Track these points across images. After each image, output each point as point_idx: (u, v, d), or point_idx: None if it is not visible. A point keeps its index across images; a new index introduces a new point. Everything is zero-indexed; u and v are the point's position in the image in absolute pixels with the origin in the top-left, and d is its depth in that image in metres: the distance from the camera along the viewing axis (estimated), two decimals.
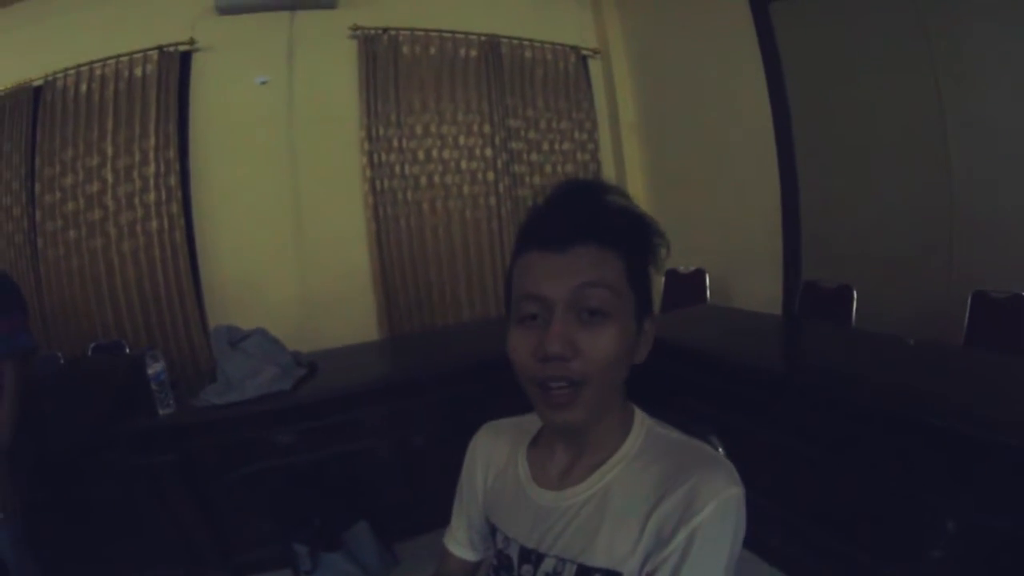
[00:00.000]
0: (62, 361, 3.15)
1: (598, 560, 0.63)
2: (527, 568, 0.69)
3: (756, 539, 1.73)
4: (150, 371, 2.30)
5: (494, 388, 1.83)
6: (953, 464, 1.46)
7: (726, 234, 3.64)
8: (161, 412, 2.30)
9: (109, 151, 3.45)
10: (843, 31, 3.07)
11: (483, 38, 3.66)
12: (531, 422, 0.80)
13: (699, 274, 3.52)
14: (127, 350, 3.31)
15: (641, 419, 0.71)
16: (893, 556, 1.60)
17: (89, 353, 3.26)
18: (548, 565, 0.67)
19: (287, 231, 3.29)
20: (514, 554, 0.71)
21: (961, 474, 1.45)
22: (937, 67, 2.71)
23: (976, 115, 2.61)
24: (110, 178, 3.44)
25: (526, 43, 3.75)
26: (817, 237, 3.37)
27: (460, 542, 0.85)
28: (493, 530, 0.77)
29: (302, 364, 2.59)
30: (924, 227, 2.86)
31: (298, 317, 2.93)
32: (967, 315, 2.48)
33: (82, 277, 3.45)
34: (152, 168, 3.37)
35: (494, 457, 0.81)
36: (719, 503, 0.58)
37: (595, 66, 4.01)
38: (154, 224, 3.33)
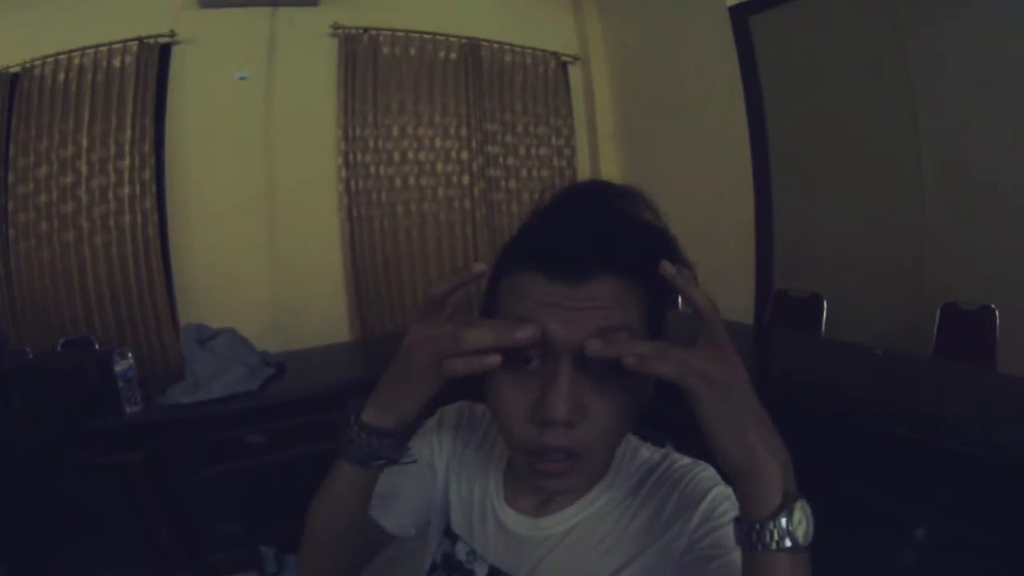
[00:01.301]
0: (30, 355, 3.12)
1: None
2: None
3: None
4: (117, 368, 2.29)
5: (464, 391, 1.85)
6: (920, 473, 1.49)
7: (699, 243, 3.58)
8: (128, 410, 2.29)
9: (84, 143, 3.42)
10: (820, 44, 3.14)
11: (463, 41, 3.68)
12: None
13: None
14: (97, 346, 3.29)
15: (625, 441, 0.63)
16: (860, 565, 1.61)
17: (59, 348, 3.22)
18: None
19: (261, 229, 3.29)
20: (480, 571, 0.64)
21: (928, 483, 1.48)
22: (911, 80, 2.77)
23: (949, 127, 2.67)
24: (84, 170, 3.41)
25: (506, 47, 3.78)
26: (789, 247, 3.43)
27: (389, 514, 0.71)
28: (452, 538, 0.69)
29: (270, 364, 2.60)
30: (895, 238, 2.92)
31: (270, 316, 2.93)
32: (936, 326, 2.54)
33: (53, 270, 3.41)
34: (127, 161, 3.35)
35: (462, 452, 0.71)
36: (715, 495, 0.55)
37: (575, 72, 4.05)
38: (127, 219, 3.31)
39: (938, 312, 2.55)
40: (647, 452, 0.64)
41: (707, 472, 0.58)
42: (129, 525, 2.34)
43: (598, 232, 0.50)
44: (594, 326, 0.47)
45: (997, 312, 2.38)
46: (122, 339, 3.31)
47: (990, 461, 1.36)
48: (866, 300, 3.00)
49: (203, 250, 3.33)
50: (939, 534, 1.46)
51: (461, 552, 0.67)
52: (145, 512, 2.34)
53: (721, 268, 3.62)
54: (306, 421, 2.41)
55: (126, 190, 3.33)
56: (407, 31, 3.59)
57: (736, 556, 0.45)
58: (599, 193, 0.55)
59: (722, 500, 0.54)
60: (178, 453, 2.34)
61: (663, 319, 0.54)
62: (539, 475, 0.52)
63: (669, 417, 1.94)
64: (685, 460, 0.62)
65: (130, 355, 2.36)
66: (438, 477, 0.72)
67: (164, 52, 3.49)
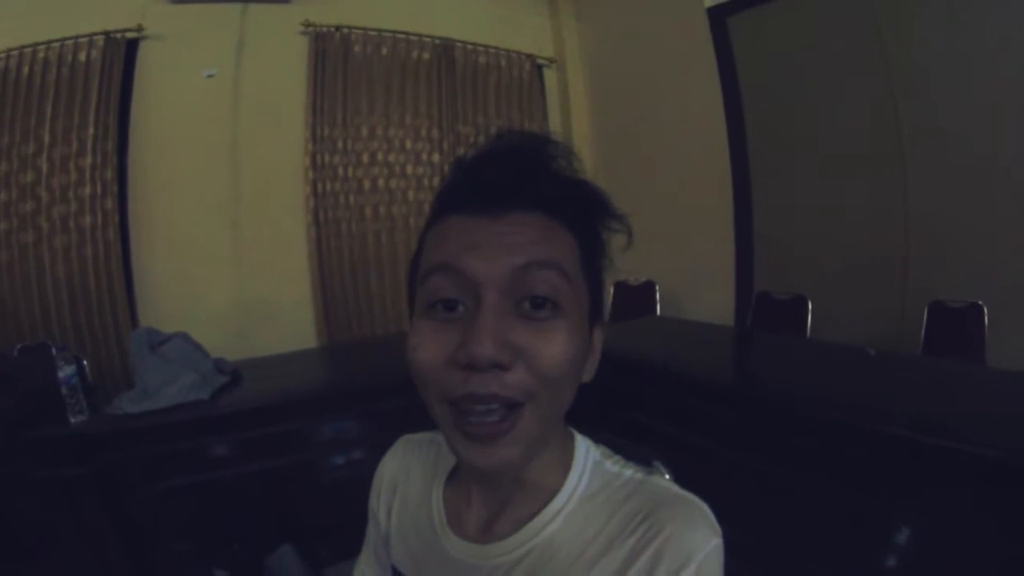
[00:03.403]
0: None
1: None
2: None
3: None
4: (60, 374, 2.14)
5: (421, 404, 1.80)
6: (911, 473, 1.46)
7: (678, 246, 3.68)
8: (73, 420, 2.16)
9: (46, 139, 3.33)
10: (799, 43, 3.12)
11: (437, 41, 3.64)
12: None
13: (649, 286, 3.53)
14: (53, 352, 3.19)
15: (585, 451, 0.54)
16: (849, 567, 1.58)
17: (15, 354, 3.08)
18: None
19: (225, 232, 3.23)
20: None
21: (920, 483, 1.45)
22: (892, 78, 2.77)
23: (931, 125, 2.67)
24: (45, 168, 3.32)
25: (480, 48, 3.74)
26: (771, 248, 3.42)
27: (364, 573, 0.69)
28: (394, 571, 0.62)
29: (224, 371, 2.48)
30: (879, 237, 2.91)
31: (234, 322, 2.87)
32: (924, 325, 2.55)
33: (11, 273, 3.32)
34: (89, 159, 3.26)
35: (404, 486, 0.64)
36: (700, 563, 0.44)
37: (550, 75, 4.03)
38: (88, 219, 3.22)
39: (926, 311, 2.56)
40: (620, 470, 0.53)
41: (697, 529, 0.46)
42: (75, 545, 2.19)
43: (520, 166, 0.47)
44: (520, 260, 0.43)
45: (985, 309, 2.40)
46: (81, 345, 3.23)
47: (993, 459, 1.33)
48: (851, 301, 2.99)
49: (166, 253, 3.26)
50: (933, 533, 1.43)
51: None
52: (92, 531, 2.19)
53: (701, 271, 3.61)
54: (263, 433, 2.27)
55: (87, 189, 3.24)
56: (379, 30, 3.55)
57: None
58: (532, 138, 0.50)
59: (697, 568, 0.44)
60: (126, 467, 2.20)
61: (598, 270, 0.50)
62: (469, 442, 0.44)
63: (654, 429, 1.90)
64: (671, 496, 0.49)
65: (83, 361, 2.27)
66: (381, 523, 0.65)
67: (131, 47, 3.40)
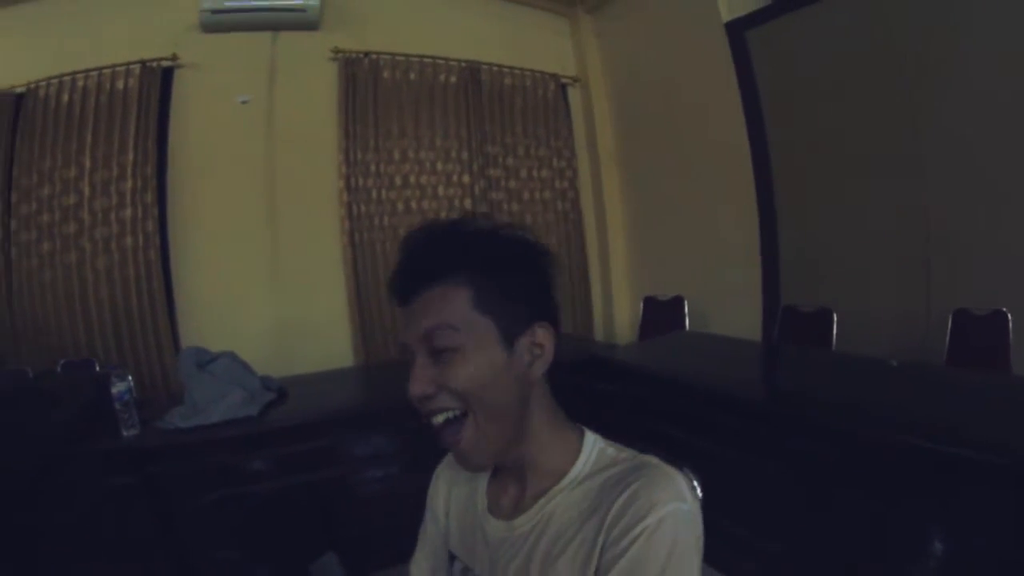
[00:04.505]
0: (31, 376, 3.12)
1: None
2: None
3: (732, 567, 1.76)
4: (114, 390, 2.24)
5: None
6: (939, 485, 1.45)
7: (705, 261, 3.70)
8: (125, 433, 2.25)
9: (87, 164, 3.44)
10: (818, 56, 3.12)
11: (463, 64, 3.71)
12: None
13: (677, 301, 3.56)
14: (97, 369, 3.28)
15: (592, 442, 0.68)
16: None
17: (59, 369, 3.19)
18: None
19: (263, 253, 3.30)
20: None
21: (948, 495, 1.43)
22: (911, 86, 2.76)
23: (951, 134, 2.65)
24: (87, 191, 3.42)
25: (506, 70, 3.81)
26: (796, 261, 3.41)
27: (422, 570, 0.84)
28: (452, 558, 0.77)
29: (271, 389, 2.56)
30: (901, 248, 2.89)
31: (272, 341, 2.92)
32: (948, 333, 2.52)
33: (55, 291, 3.41)
34: (129, 184, 3.36)
35: (456, 487, 0.80)
36: (661, 518, 0.55)
37: (574, 94, 4.09)
38: (129, 241, 3.32)
39: (950, 319, 2.54)
40: (618, 453, 0.67)
41: (661, 490, 0.57)
42: (122, 551, 2.27)
43: (419, 256, 0.66)
44: (422, 330, 0.62)
45: (1010, 316, 2.38)
46: (123, 363, 3.31)
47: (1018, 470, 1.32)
48: (875, 312, 2.97)
49: (205, 274, 3.34)
50: (960, 545, 1.42)
51: (457, 571, 0.75)
52: (141, 539, 2.27)
53: (727, 286, 3.62)
54: (307, 448, 2.36)
55: (128, 212, 3.34)
56: (407, 55, 3.63)
57: None
58: (425, 229, 0.68)
59: (657, 522, 0.55)
60: (175, 479, 2.28)
61: (503, 300, 0.64)
62: (451, 451, 0.66)
63: (686, 442, 1.92)
64: (647, 463, 0.62)
65: (129, 377, 2.33)
66: (440, 519, 0.82)
67: (167, 75, 3.52)
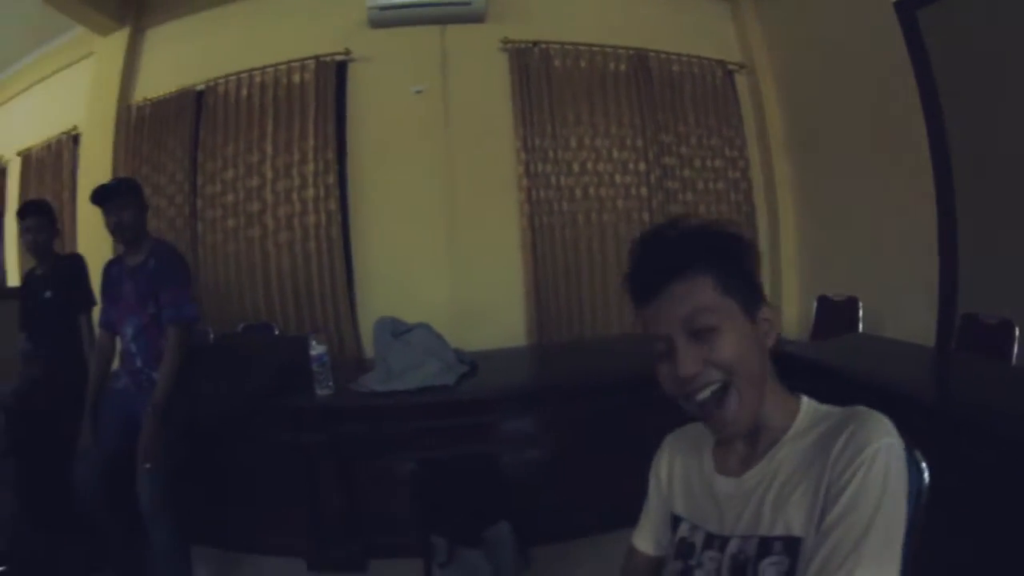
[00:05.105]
0: (211, 337, 3.31)
1: (777, 530, 0.68)
2: (710, 554, 0.75)
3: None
4: (313, 352, 2.39)
5: (638, 402, 1.81)
6: None
7: (880, 261, 3.42)
8: (319, 393, 2.39)
9: (269, 150, 3.65)
10: (1000, 34, 2.74)
11: (631, 52, 3.64)
12: None
13: (852, 302, 3.34)
14: (276, 332, 3.47)
15: (807, 401, 0.77)
16: None
17: (239, 331, 3.42)
18: (733, 546, 0.73)
19: (441, 234, 3.36)
20: (698, 541, 0.78)
21: None
22: None
23: None
24: (269, 174, 3.63)
25: (673, 57, 3.69)
26: (977, 266, 3.10)
27: (646, 539, 0.92)
28: (676, 522, 0.84)
29: (464, 362, 2.63)
30: None
31: (447, 319, 2.89)
32: None
33: (238, 262, 3.65)
34: (311, 167, 3.53)
35: (680, 456, 0.89)
36: (876, 450, 0.63)
37: (741, 81, 3.91)
38: (312, 219, 3.48)
39: None
40: (831, 409, 0.75)
41: (873, 428, 0.66)
42: (300, 499, 2.43)
43: (658, 258, 0.74)
44: (680, 316, 0.71)
45: None
46: (298, 328, 3.48)
47: None
48: None
49: (383, 253, 3.44)
50: None
51: (684, 529, 0.82)
52: (319, 489, 2.41)
53: (903, 289, 3.35)
54: (492, 420, 2.43)
55: (310, 192, 3.50)
56: (575, 44, 3.60)
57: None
58: (655, 232, 0.78)
59: (873, 454, 0.63)
60: (361, 438, 2.41)
61: (740, 282, 0.73)
62: (711, 420, 0.73)
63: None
64: (860, 409, 0.70)
65: (326, 341, 2.44)
66: (663, 488, 0.90)
67: (340, 68, 3.67)
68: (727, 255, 0.74)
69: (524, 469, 2.39)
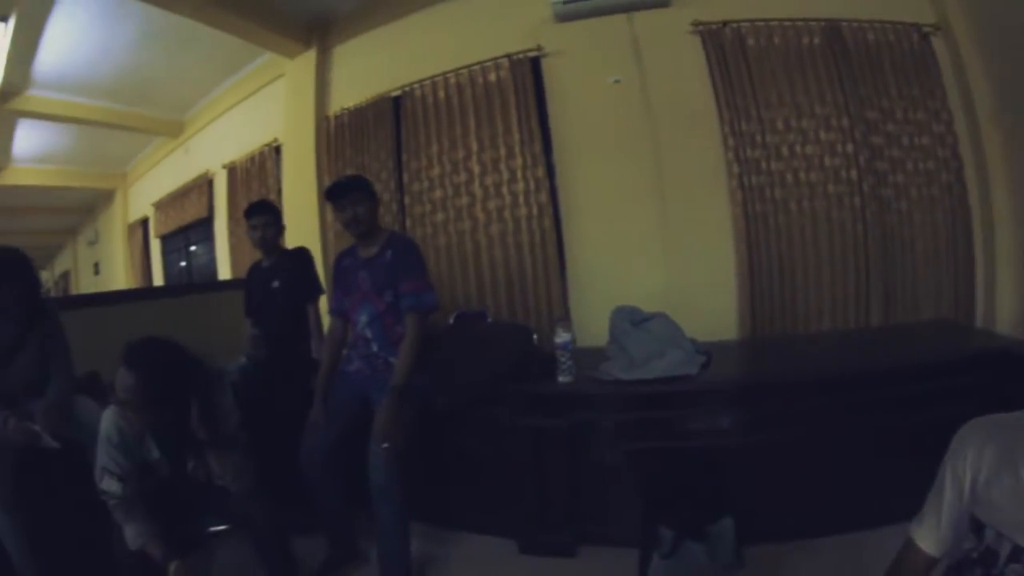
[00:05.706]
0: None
1: None
2: (1016, 567, 0.71)
3: None
4: (558, 340, 2.51)
5: (857, 405, 1.90)
6: None
7: None
8: (561, 379, 2.50)
9: (474, 146, 3.96)
10: None
11: (823, 23, 3.52)
12: None
13: None
14: (489, 319, 3.82)
15: None
16: None
17: (451, 321, 3.76)
18: None
19: (652, 223, 3.50)
20: (1003, 551, 0.73)
21: None
22: None
23: None
24: (476, 169, 3.95)
25: (866, 25, 3.52)
26: None
27: (930, 538, 0.85)
28: (978, 527, 0.79)
29: (701, 352, 2.69)
30: None
31: (659, 308, 2.92)
32: None
33: (449, 254, 4.05)
34: (519, 161, 3.80)
35: (986, 455, 0.80)
36: None
37: (939, 45, 3.70)
38: (523, 211, 3.77)
39: None
40: None
41: None
42: (522, 483, 2.52)
43: None
44: None
45: None
46: (510, 317, 3.84)
47: None
48: None
49: (594, 243, 3.66)
50: None
51: (989, 537, 0.79)
52: (545, 474, 2.48)
53: None
54: (730, 411, 2.44)
55: (520, 186, 3.79)
56: (765, 20, 3.54)
57: None
58: None
59: None
60: (598, 425, 2.46)
61: None
62: None
63: None
64: None
65: (572, 329, 2.58)
66: (962, 485, 0.83)
67: (535, 63, 3.89)
68: None
69: (749, 464, 2.35)
